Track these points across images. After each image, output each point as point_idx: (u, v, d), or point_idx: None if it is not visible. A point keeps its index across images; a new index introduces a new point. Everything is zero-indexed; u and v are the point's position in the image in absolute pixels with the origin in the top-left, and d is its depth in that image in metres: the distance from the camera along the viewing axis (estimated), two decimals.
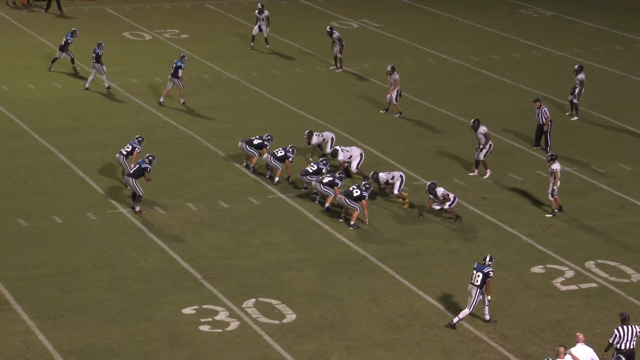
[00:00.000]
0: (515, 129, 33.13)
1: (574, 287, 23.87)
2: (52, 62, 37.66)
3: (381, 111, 34.70)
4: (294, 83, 37.62)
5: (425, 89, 37.22)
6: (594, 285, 23.98)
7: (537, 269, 24.67)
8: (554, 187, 27.07)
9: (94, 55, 35.62)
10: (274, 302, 22.84)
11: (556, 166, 27.07)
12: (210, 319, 22.05)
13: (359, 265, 24.67)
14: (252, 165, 29.33)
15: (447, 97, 36.50)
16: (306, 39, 42.80)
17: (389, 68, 34.48)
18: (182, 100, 34.54)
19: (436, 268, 24.58)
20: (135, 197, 26.71)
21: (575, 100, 34.22)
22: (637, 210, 27.90)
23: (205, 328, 21.74)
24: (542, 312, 22.80)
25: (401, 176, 27.94)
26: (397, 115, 34.35)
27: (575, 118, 34.32)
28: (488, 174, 29.59)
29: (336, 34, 38.95)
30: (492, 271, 22.04)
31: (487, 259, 22.19)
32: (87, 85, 35.99)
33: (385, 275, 24.18)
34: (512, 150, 31.83)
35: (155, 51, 40.95)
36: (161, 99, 34.62)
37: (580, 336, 19.74)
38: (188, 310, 22.36)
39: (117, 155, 28.14)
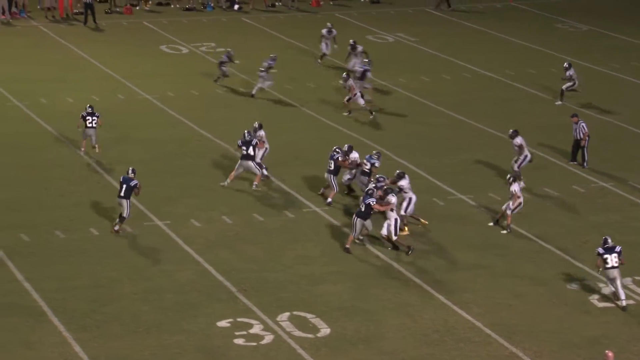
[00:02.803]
0: (551, 143, 32.89)
1: (611, 304, 23.60)
2: (217, 79, 37.76)
3: (370, 115, 35.15)
4: (329, 96, 37.56)
5: (461, 102, 37.06)
6: (631, 302, 23.69)
7: (573, 285, 24.43)
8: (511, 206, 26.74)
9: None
10: (308, 315, 22.74)
11: (515, 187, 26.66)
12: (244, 332, 21.98)
13: (393, 279, 24.53)
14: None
15: (482, 110, 36.32)
16: (342, 53, 42.73)
17: (344, 75, 35.65)
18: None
19: (471, 283, 24.39)
20: (120, 217, 26.36)
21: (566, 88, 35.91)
22: None
23: (239, 341, 21.67)
24: (578, 329, 22.56)
25: (410, 198, 26.78)
26: (347, 114, 35.10)
27: (559, 102, 35.50)
28: (521, 185, 29.27)
29: (359, 48, 38.69)
30: (620, 248, 23.32)
31: (609, 240, 23.42)
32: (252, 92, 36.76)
33: (419, 290, 24.03)
34: (548, 164, 31.59)
35: (192, 64, 41.04)
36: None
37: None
38: (222, 323, 22.31)
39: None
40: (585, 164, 31.23)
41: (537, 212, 28.31)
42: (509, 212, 26.85)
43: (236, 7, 49.99)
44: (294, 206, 28.15)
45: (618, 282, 23.35)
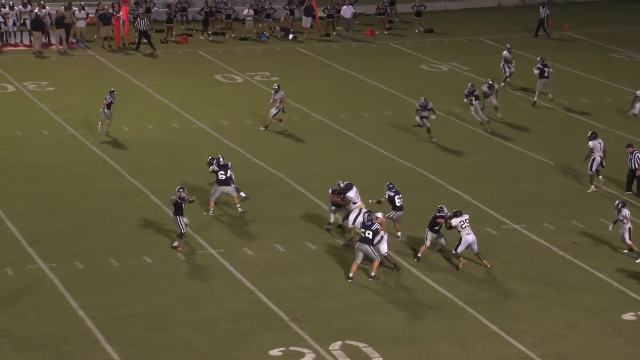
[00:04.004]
0: (606, 173, 32.68)
1: None
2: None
3: (261, 128, 36.31)
4: (383, 125, 37.66)
5: (515, 132, 36.97)
6: None
7: (629, 316, 24.22)
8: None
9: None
10: (360, 344, 22.75)
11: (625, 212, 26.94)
12: None
13: (446, 308, 24.48)
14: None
15: (537, 140, 36.21)
16: (396, 82, 42.89)
17: (275, 86, 36.47)
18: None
19: (524, 313, 24.28)
20: (179, 234, 27.10)
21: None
22: None
23: None
24: None
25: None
26: (262, 129, 36.16)
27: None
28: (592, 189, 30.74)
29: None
30: None
31: None
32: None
33: (472, 320, 23.96)
34: (604, 194, 31.39)
35: (247, 93, 41.36)
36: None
37: None
38: (275, 352, 22.38)
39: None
40: None
41: (593, 242, 28.12)
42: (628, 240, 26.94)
43: (291, 36, 50.34)
44: (345, 234, 28.18)
45: None
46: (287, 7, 52.01)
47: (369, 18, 53.09)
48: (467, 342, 22.94)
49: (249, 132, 36.57)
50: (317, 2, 51.39)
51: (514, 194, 31.46)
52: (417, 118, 35.70)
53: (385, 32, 51.78)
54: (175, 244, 27.13)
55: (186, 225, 27.05)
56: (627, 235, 27.05)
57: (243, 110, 38.97)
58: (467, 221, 26.29)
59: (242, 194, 29.46)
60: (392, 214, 27.77)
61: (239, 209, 29.41)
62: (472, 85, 37.53)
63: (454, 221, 26.36)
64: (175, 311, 24.09)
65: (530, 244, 28.00)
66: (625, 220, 26.98)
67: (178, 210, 26.85)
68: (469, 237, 26.26)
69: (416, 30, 52.08)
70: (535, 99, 39.96)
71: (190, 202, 27.17)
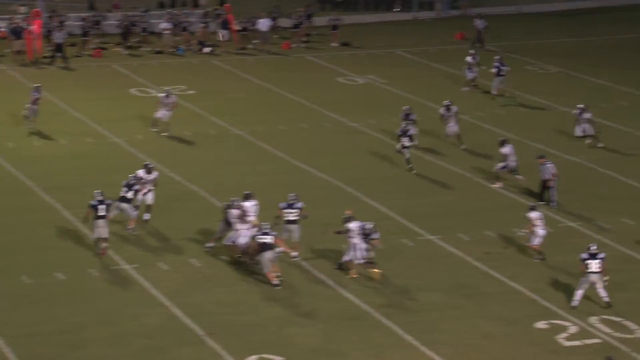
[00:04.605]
0: (518, 184, 33.10)
1: (577, 342, 23.76)
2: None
3: (151, 128, 36.97)
4: (300, 138, 37.75)
5: (432, 143, 37.19)
6: (597, 340, 23.86)
7: (541, 324, 24.57)
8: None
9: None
10: (277, 358, 22.75)
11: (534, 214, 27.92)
12: None
13: (362, 320, 24.60)
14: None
15: (452, 152, 36.50)
16: (312, 94, 42.99)
17: (165, 92, 37.74)
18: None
19: (440, 324, 24.49)
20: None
21: None
22: None
23: None
24: None
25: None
26: (165, 135, 36.96)
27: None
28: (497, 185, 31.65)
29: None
30: (604, 254, 25.06)
31: (594, 247, 25.04)
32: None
33: (388, 331, 24.11)
34: (516, 205, 31.77)
35: None
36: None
37: None
38: None
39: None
40: (553, 204, 31.47)
41: (506, 252, 28.45)
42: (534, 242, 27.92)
43: (207, 49, 50.22)
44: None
45: (598, 287, 25.11)
46: (203, 20, 51.91)
47: (285, 31, 53.17)
48: (384, 354, 23.07)
49: (165, 146, 36.39)
50: (233, 15, 51.36)
51: (430, 206, 31.73)
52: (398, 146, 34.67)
53: (302, 46, 51.92)
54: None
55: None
56: (535, 240, 27.65)
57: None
58: (361, 230, 26.43)
59: (136, 214, 29.07)
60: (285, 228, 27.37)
61: (130, 230, 28.88)
62: (408, 108, 36.83)
63: (352, 225, 26.45)
64: (89, 328, 23.87)
65: (446, 255, 28.26)
66: (535, 225, 27.52)
67: (100, 214, 26.73)
68: (358, 244, 26.39)
69: (332, 44, 52.30)
70: (495, 93, 42.46)
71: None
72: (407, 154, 34.26)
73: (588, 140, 37.02)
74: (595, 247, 25.23)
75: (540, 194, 31.87)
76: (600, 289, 25.19)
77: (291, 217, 27.52)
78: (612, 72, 47.58)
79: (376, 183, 33.35)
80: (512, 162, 32.88)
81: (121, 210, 28.67)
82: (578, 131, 37.29)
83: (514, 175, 32.87)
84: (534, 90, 44.16)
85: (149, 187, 29.48)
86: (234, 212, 27.25)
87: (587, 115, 37.12)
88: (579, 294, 25.23)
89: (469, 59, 44.16)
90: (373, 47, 52.34)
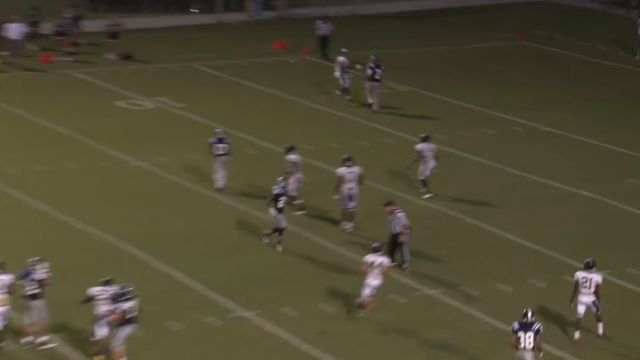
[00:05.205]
0: (356, 239, 32.97)
1: None
2: None
3: None
4: (64, 183, 37.27)
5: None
6: None
7: None
8: None
9: None
10: None
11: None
12: None
13: None
14: None
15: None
16: (82, 124, 42.27)
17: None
18: None
19: None
20: None
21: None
22: None
23: None
24: None
25: None
26: None
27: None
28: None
29: None
30: (541, 326, 24.55)
31: (529, 314, 24.50)
32: None
33: None
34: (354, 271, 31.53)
35: None
36: None
37: None
38: None
39: None
40: (405, 265, 31.19)
41: (350, 334, 28.12)
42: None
43: None
44: None
45: None
46: None
47: (46, 40, 52.48)
48: None
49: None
50: None
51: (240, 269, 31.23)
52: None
53: (68, 59, 51.56)
54: None
55: None
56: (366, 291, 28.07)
57: None
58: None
59: None
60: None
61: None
62: (223, 129, 37.33)
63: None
64: None
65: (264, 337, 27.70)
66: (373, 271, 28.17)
67: None
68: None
69: (109, 56, 52.30)
70: (370, 101, 45.46)
71: None
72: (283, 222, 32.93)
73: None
74: (531, 315, 24.74)
75: (391, 252, 31.38)
76: None
77: (31, 291, 26.15)
78: (479, 90, 48.53)
79: (169, 241, 32.75)
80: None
81: None
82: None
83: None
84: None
85: None
86: None
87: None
88: None
89: (342, 58, 46.70)
90: (164, 60, 52.82)
